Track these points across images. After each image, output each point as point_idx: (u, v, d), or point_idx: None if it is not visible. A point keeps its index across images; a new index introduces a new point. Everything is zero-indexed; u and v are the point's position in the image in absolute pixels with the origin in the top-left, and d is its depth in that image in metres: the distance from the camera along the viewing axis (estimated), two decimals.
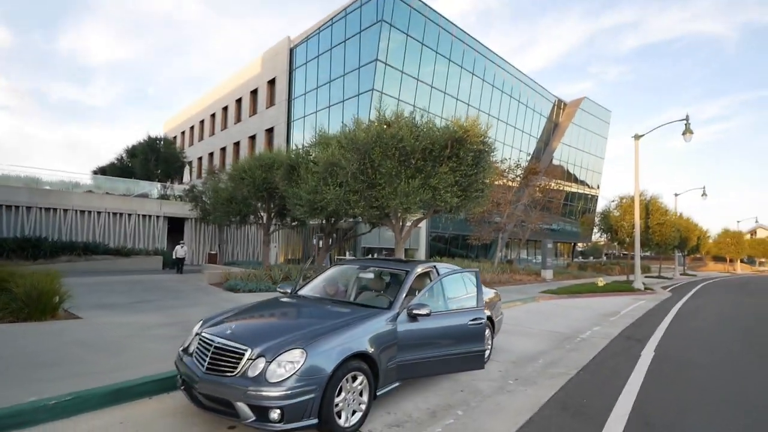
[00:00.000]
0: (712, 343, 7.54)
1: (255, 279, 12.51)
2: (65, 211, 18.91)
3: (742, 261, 51.92)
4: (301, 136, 27.34)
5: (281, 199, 15.30)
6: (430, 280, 4.83)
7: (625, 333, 8.05)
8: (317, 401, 3.01)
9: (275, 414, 2.87)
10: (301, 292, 4.86)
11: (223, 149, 34.14)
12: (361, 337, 3.44)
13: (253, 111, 31.50)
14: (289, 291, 4.91)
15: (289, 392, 2.89)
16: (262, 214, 17.14)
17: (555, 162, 38.31)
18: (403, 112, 10.19)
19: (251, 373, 3.00)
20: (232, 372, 3.06)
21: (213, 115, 36.59)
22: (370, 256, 26.73)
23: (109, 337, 5.61)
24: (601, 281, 16.78)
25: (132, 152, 28.71)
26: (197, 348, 3.44)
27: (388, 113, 10.24)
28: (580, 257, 47.87)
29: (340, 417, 3.17)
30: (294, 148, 14.36)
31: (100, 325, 6.39)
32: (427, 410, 3.86)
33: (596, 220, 29.61)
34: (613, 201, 25.67)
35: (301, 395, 2.92)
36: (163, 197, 23.57)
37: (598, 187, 46.55)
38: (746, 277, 38.78)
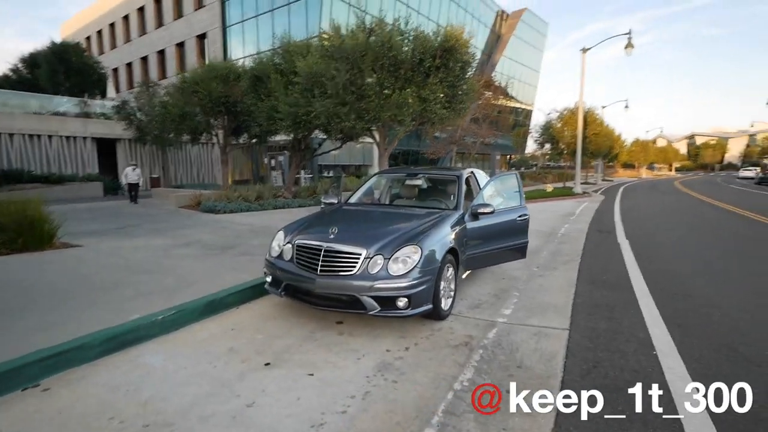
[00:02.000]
0: (659, 226, 9.05)
1: (228, 200, 12.08)
2: None
3: (646, 167, 59.12)
4: (241, 45, 24.73)
5: (240, 114, 14.28)
6: (469, 185, 5.16)
7: (593, 227, 9.26)
8: (431, 289, 3.35)
9: (402, 302, 3.18)
10: (353, 201, 4.99)
11: (145, 59, 29.84)
12: (449, 234, 3.75)
13: (178, 14, 27.35)
14: (335, 201, 4.97)
15: (414, 282, 3.19)
16: (217, 131, 15.92)
17: (495, 75, 38.72)
18: (384, 18, 9.64)
19: (372, 270, 3.22)
20: (351, 271, 3.25)
21: (126, 18, 31.19)
22: (328, 173, 26.50)
23: (139, 260, 5.38)
24: (549, 187, 18.48)
25: (32, 62, 23.99)
26: (297, 255, 3.53)
27: (368, 19, 9.64)
28: (513, 168, 51.18)
29: (441, 302, 3.56)
30: (256, 55, 13.00)
31: (111, 250, 6.04)
32: (490, 294, 4.42)
33: (533, 132, 31.34)
34: (548, 114, 27.22)
35: (422, 284, 3.24)
36: (85, 115, 20.68)
37: (533, 104, 48.42)
38: (652, 180, 44.62)
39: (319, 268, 3.34)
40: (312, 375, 2.70)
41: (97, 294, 3.96)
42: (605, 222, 10.17)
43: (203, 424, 2.18)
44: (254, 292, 4.17)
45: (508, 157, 48.24)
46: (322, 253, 3.38)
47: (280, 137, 17.91)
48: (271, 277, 3.75)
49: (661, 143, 78.29)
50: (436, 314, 3.50)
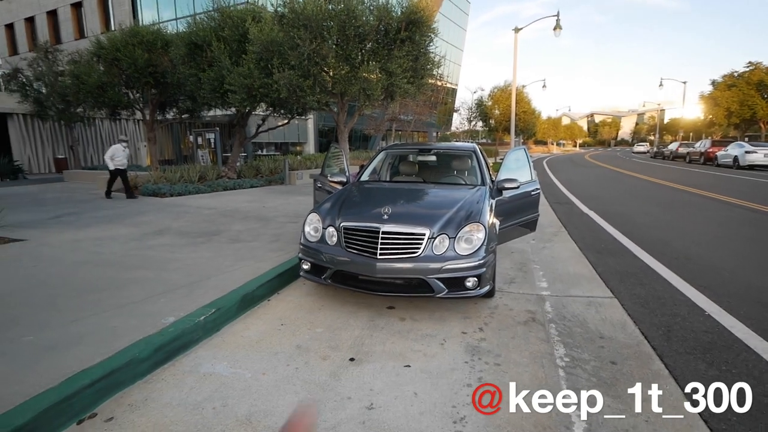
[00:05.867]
0: (606, 197, 9.93)
1: (169, 182, 10.89)
2: None
3: (555, 143, 64.69)
4: (154, 8, 21.92)
5: (169, 86, 12.80)
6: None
7: (550, 200, 9.89)
8: (494, 267, 3.29)
9: (471, 282, 3.07)
10: (366, 178, 4.72)
11: (31, 20, 25.09)
12: (492, 210, 3.69)
13: None
14: (344, 180, 4.64)
15: (482, 261, 3.09)
16: (142, 105, 14.15)
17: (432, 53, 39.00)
18: None
19: (438, 251, 3.06)
20: (415, 253, 3.06)
21: None
22: (261, 152, 25.05)
23: (117, 254, 4.57)
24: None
25: None
26: (346, 238, 3.24)
27: None
28: None
29: (494, 280, 3.52)
30: (173, 20, 11.55)
31: (69, 243, 5.05)
32: (513, 268, 4.50)
33: (462, 110, 32.48)
34: (474, 92, 28.41)
35: (488, 262, 3.15)
36: None
37: (457, 83, 49.77)
38: (564, 155, 48.74)
39: (378, 252, 3.09)
40: (409, 366, 2.51)
41: (96, 297, 3.29)
42: (557, 194, 10.91)
43: None
44: (280, 281, 3.80)
45: (437, 133, 49.49)
46: (379, 235, 3.13)
47: (214, 113, 16.45)
48: (309, 264, 3.41)
49: (565, 121, 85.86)
50: (491, 292, 3.46)
